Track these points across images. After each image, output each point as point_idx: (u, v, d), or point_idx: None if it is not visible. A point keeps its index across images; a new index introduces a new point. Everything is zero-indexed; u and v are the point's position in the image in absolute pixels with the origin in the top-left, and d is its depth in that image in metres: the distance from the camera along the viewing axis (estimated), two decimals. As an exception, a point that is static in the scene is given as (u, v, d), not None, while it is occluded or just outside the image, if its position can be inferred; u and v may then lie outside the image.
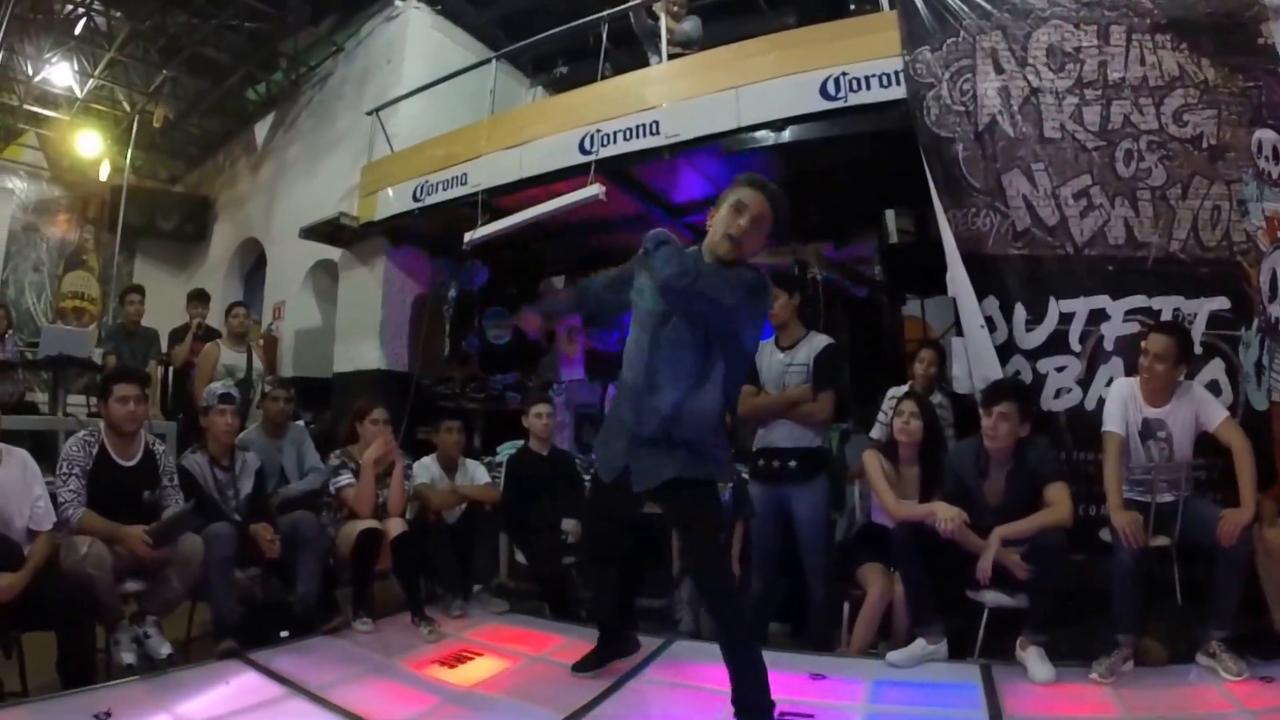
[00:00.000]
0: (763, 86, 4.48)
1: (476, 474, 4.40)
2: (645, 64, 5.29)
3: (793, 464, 3.62)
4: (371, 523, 3.74)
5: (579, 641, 3.37)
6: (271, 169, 8.80)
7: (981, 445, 3.25)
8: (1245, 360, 3.69)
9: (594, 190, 4.72)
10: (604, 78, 5.28)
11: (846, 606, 3.51)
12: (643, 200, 5.39)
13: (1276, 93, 3.94)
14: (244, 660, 3.13)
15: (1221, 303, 3.77)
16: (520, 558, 4.25)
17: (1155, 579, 3.16)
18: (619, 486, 2.61)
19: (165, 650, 3.12)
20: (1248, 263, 3.82)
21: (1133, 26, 4.03)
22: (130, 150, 8.99)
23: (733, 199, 2.46)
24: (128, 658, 3.03)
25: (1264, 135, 3.93)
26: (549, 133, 5.20)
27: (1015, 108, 4.00)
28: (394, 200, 6.23)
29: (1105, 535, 3.20)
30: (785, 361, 3.70)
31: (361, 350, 6.88)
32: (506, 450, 5.11)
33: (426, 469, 4.26)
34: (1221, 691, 2.69)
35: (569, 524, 4.15)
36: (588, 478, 4.70)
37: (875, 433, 4.10)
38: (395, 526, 3.78)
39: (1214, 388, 3.57)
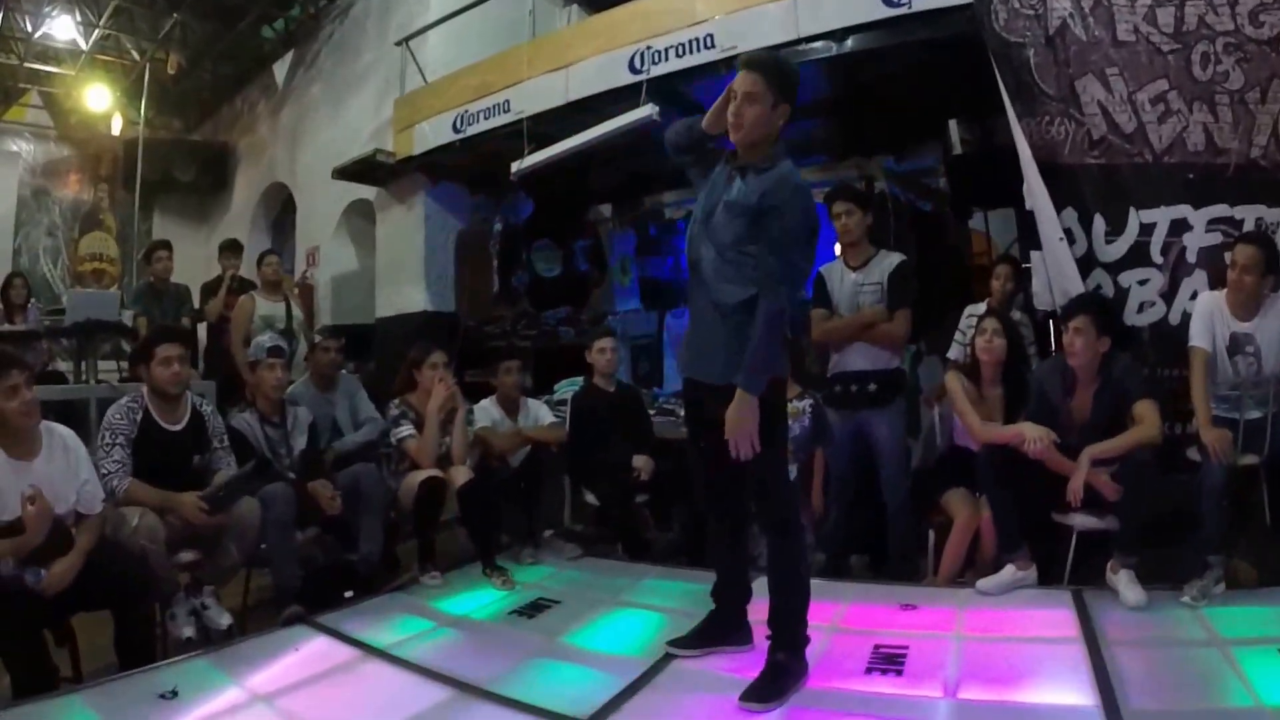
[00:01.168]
0: None
1: (540, 414, 4.28)
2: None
3: (872, 387, 3.54)
4: (434, 472, 3.61)
5: (660, 583, 3.39)
6: (294, 110, 8.62)
7: (1066, 363, 3.18)
8: None
9: (647, 110, 4.57)
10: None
11: (931, 534, 3.45)
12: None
13: (1359, -11, 3.80)
14: (311, 625, 3.02)
15: None
16: (590, 499, 4.13)
17: (1244, 499, 3.08)
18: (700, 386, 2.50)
19: (226, 621, 3.05)
20: None
21: (1208, -77, 3.86)
22: (143, 102, 8.79)
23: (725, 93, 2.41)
24: (187, 631, 2.95)
25: None
26: (595, 53, 5.04)
27: (1087, 9, 3.83)
28: (432, 134, 6.08)
29: (1193, 454, 3.13)
30: (858, 281, 3.62)
31: (405, 293, 6.77)
32: (565, 388, 5.02)
33: (487, 412, 4.15)
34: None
35: (640, 461, 4.04)
36: (652, 411, 4.74)
37: (953, 353, 4.05)
38: (460, 475, 3.65)
39: None
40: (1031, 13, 3.87)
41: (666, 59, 4.69)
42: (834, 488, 3.71)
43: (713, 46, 4.55)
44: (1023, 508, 3.08)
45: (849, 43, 4.25)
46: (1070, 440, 3.05)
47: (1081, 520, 3.09)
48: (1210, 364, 3.15)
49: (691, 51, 4.61)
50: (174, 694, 2.38)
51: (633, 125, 4.64)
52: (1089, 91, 3.80)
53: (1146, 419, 2.98)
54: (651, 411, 4.75)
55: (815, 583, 2.50)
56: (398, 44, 6.55)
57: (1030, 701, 2.22)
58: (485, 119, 5.63)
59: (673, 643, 2.64)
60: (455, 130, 5.85)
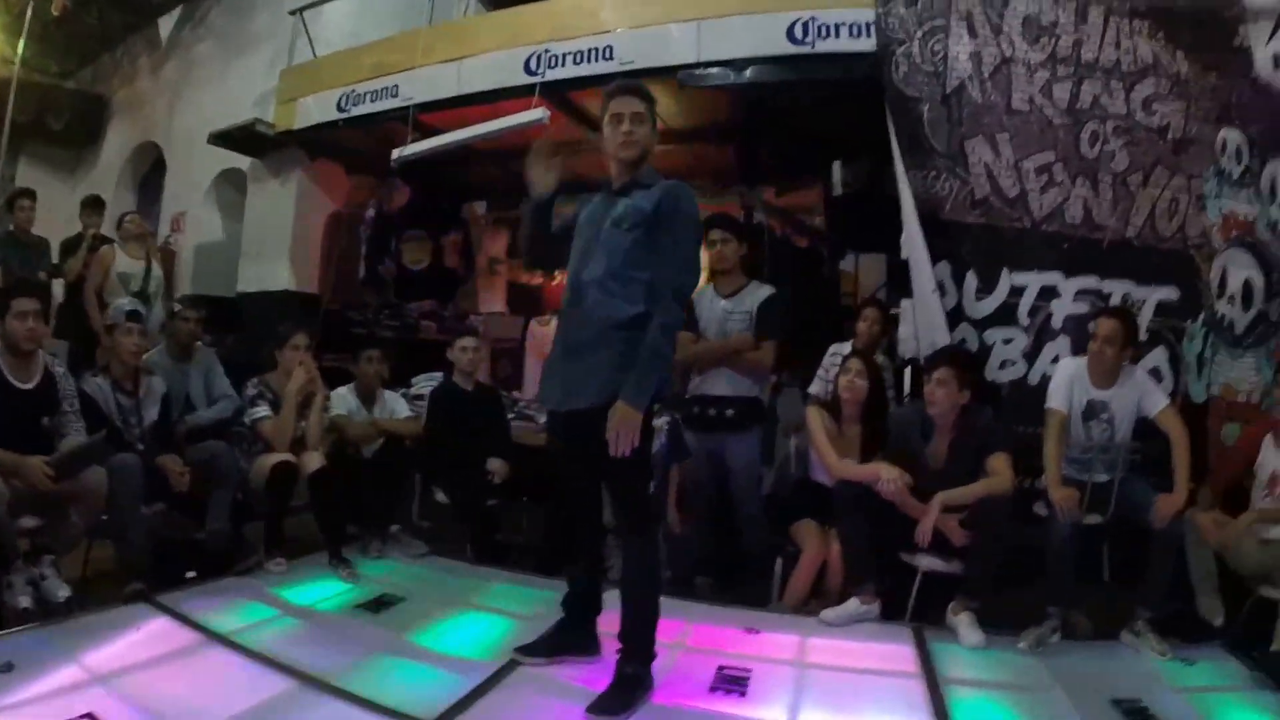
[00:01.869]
0: (728, 21, 4.23)
1: (396, 407, 4.20)
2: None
3: (730, 412, 3.58)
4: (287, 456, 3.51)
5: (509, 588, 3.37)
6: (176, 68, 8.00)
7: (925, 411, 3.28)
8: (1188, 351, 3.79)
9: (538, 114, 4.36)
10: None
11: (779, 562, 3.48)
12: (589, 128, 5.06)
13: (1245, 94, 3.94)
14: (153, 604, 2.89)
15: (1171, 292, 3.85)
16: (441, 497, 4.00)
17: (1086, 556, 3.22)
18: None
19: (64, 593, 2.88)
20: (1200, 257, 3.90)
21: (1111, 8, 3.96)
22: (21, 40, 8.00)
23: (609, 115, 2.44)
24: (24, 601, 2.78)
25: (1229, 134, 3.97)
26: (493, 48, 4.79)
27: (986, 75, 3.89)
28: (316, 109, 5.68)
29: (1040, 509, 3.28)
30: (727, 309, 3.63)
31: (269, 269, 6.35)
32: (423, 383, 4.87)
33: (344, 400, 4.05)
34: (1144, 669, 2.77)
35: (495, 464, 3.99)
36: (511, 415, 4.63)
37: (814, 388, 4.06)
38: (313, 461, 3.55)
39: (1155, 374, 3.64)
40: (931, 70, 3.90)
41: (563, 64, 4.50)
42: (689, 506, 3.72)
43: (611, 59, 4.38)
44: (872, 544, 3.17)
45: (747, 73, 4.20)
46: (924, 484, 3.14)
47: (928, 561, 3.19)
48: (1065, 427, 3.29)
49: (590, 60, 4.44)
50: (8, 668, 2.26)
51: (522, 126, 4.40)
52: (978, 153, 3.85)
53: (1000, 472, 3.11)
54: (510, 415, 4.64)
55: (664, 601, 2.49)
56: (292, 13, 6.11)
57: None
58: (372, 101, 5.29)
59: (520, 649, 2.61)
60: (340, 109, 5.48)
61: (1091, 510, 3.19)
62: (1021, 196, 3.81)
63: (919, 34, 3.91)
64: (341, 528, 3.69)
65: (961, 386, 3.19)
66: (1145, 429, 3.31)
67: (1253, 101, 4.06)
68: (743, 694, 2.45)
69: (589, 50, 4.44)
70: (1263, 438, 3.23)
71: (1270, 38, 4.16)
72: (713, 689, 2.47)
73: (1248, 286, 3.94)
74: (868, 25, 4.01)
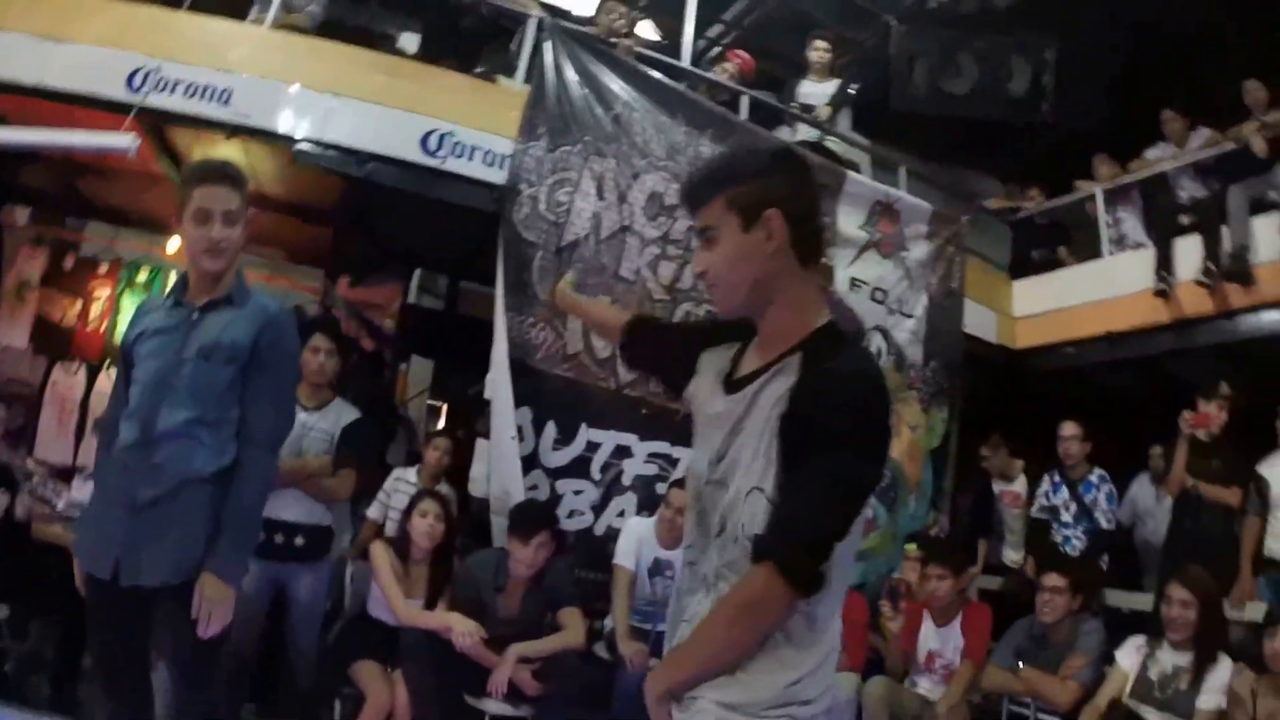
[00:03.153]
0: (364, 106, 3.99)
1: None
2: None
3: (299, 541, 3.28)
4: None
5: None
6: None
7: (503, 560, 3.37)
8: None
9: (126, 141, 3.73)
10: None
11: (338, 704, 3.33)
12: (174, 167, 4.49)
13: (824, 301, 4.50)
14: None
15: None
16: None
17: None
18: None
19: None
20: None
21: (726, 202, 4.31)
22: None
23: (192, 208, 2.02)
24: None
25: None
26: (94, 41, 4.04)
27: (603, 237, 4.10)
28: None
29: (601, 651, 3.60)
30: (308, 423, 3.30)
31: None
32: None
33: None
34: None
35: None
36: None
37: (373, 511, 3.94)
38: None
39: None
40: (552, 219, 3.98)
41: (173, 91, 3.91)
42: (235, 639, 3.32)
43: (228, 104, 3.89)
44: (439, 690, 3.16)
45: (369, 167, 3.96)
46: (496, 631, 3.22)
47: (497, 707, 3.25)
48: (632, 583, 3.58)
49: (204, 98, 3.90)
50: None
51: (105, 150, 3.78)
52: None
53: (572, 625, 3.33)
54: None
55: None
56: None
57: None
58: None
59: None
60: None
61: (656, 655, 3.38)
62: (611, 359, 4.01)
63: (549, 181, 4.00)
64: None
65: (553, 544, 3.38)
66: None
67: (829, 308, 4.67)
68: None
69: (206, 87, 3.90)
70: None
71: (851, 263, 4.86)
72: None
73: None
74: (503, 158, 4.01)
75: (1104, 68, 6.29)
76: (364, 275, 5.22)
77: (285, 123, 3.90)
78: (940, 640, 3.75)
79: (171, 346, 2.04)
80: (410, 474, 3.99)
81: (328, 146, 3.90)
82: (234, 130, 3.92)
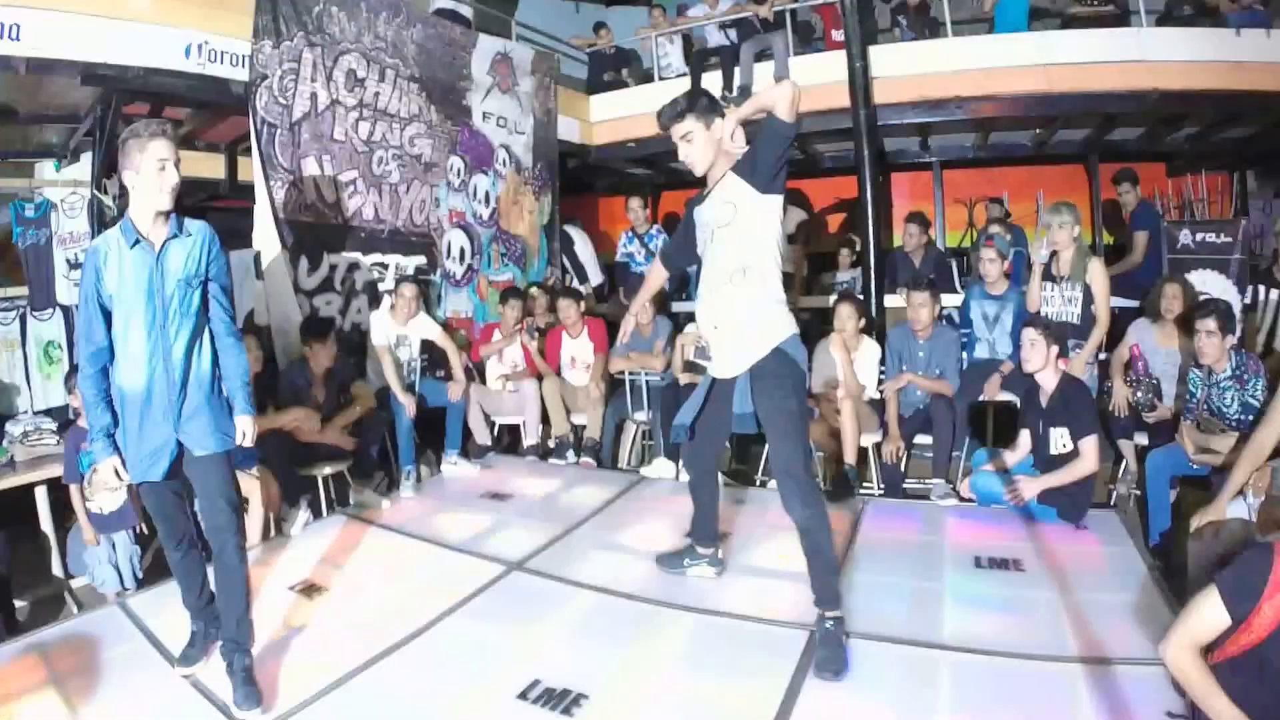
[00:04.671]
0: (133, 26, 4.61)
1: None
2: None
3: None
4: None
5: None
6: None
7: (304, 364, 4.73)
8: (433, 294, 6.34)
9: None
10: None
11: None
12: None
13: (466, 135, 6.44)
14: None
15: (422, 259, 6.28)
16: None
17: None
18: None
19: None
20: (436, 236, 6.38)
21: (399, 73, 5.93)
22: None
23: (151, 158, 2.54)
24: None
25: (454, 159, 6.50)
26: None
27: (319, 111, 5.43)
28: None
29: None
30: None
31: None
32: None
33: None
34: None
35: None
36: None
37: None
38: None
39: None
40: (284, 104, 5.24)
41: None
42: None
43: (18, 39, 4.17)
44: (288, 470, 4.52)
45: (153, 81, 4.78)
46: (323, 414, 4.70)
47: (328, 468, 4.57)
48: (389, 352, 5.19)
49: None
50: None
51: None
52: (308, 169, 5.42)
53: (363, 396, 4.97)
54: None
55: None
56: None
57: None
58: None
59: None
60: None
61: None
62: (337, 202, 5.60)
63: (279, 73, 5.16)
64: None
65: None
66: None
67: (469, 139, 6.65)
68: None
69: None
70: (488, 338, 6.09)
71: (482, 100, 6.76)
72: None
73: (462, 251, 6.69)
74: (244, 57, 5.01)
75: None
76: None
77: (73, 50, 4.39)
78: (576, 348, 6.01)
79: (153, 281, 2.58)
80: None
81: (114, 66, 4.53)
82: (31, 64, 4.31)
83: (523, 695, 2.72)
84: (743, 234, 2.86)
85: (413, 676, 2.89)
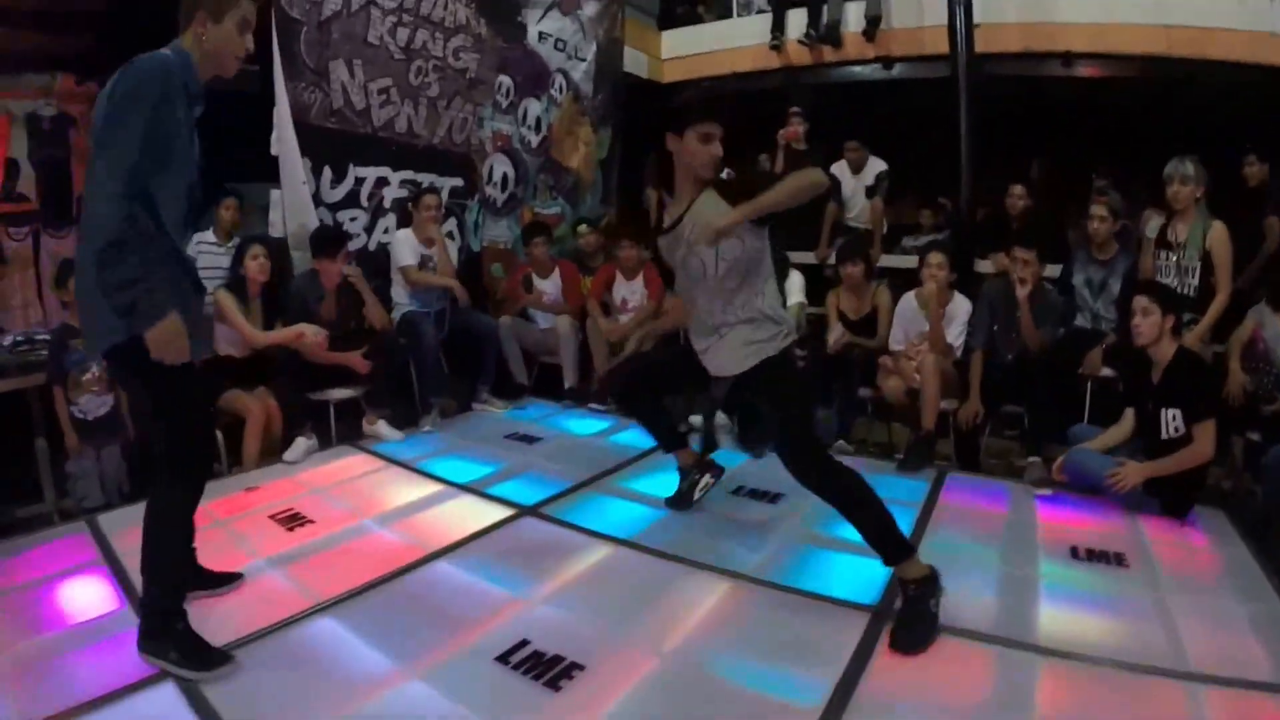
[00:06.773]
0: None
1: None
2: None
3: None
4: None
5: None
6: None
7: (316, 277, 4.39)
8: (469, 219, 5.88)
9: None
10: None
11: (220, 435, 3.86)
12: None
13: (517, 54, 5.90)
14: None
15: (459, 181, 5.78)
16: None
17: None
18: None
19: None
20: (477, 159, 5.89)
21: (443, -22, 5.37)
22: None
23: (239, 18, 2.18)
24: None
25: (503, 79, 5.97)
26: None
27: (351, 11, 4.94)
28: None
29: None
30: None
31: None
32: None
33: None
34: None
35: None
36: None
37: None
38: None
39: (450, 236, 5.61)
40: (312, 1, 4.75)
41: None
42: None
43: None
44: (297, 391, 4.17)
45: None
46: (333, 333, 4.28)
47: (339, 393, 4.40)
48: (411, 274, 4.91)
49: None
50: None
51: None
52: (337, 73, 4.93)
53: (380, 316, 4.68)
54: None
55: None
56: None
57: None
58: None
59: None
60: None
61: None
62: (367, 110, 5.10)
63: None
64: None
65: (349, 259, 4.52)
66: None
67: (521, 60, 6.09)
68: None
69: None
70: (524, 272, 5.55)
71: (539, 20, 6.19)
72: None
73: (505, 177, 6.17)
74: None
75: None
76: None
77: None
78: (629, 290, 5.45)
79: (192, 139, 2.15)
80: (208, 235, 4.77)
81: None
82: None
83: (503, 658, 2.19)
84: (733, 248, 2.62)
85: (373, 625, 2.37)
